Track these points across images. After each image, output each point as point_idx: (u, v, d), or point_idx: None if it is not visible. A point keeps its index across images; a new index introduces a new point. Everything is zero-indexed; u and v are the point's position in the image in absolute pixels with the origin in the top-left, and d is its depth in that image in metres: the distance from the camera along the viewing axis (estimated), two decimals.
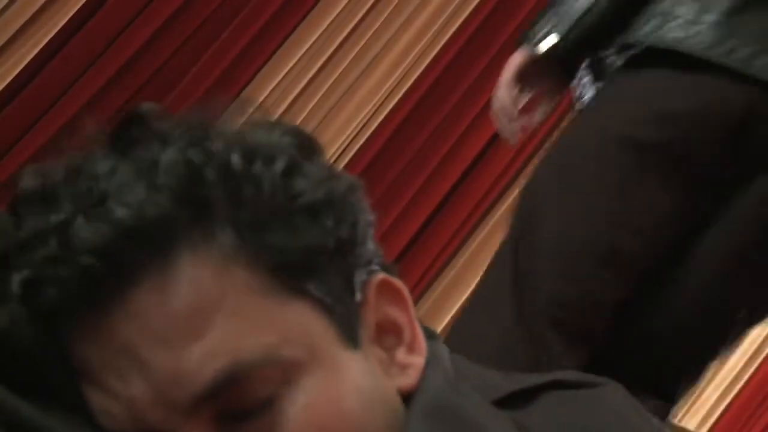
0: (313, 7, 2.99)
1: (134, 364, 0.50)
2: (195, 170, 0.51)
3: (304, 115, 2.97)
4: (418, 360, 0.60)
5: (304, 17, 2.98)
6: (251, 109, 0.61)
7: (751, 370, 3.69)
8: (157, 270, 0.51)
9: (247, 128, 0.56)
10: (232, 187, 0.52)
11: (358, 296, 0.57)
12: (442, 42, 3.14)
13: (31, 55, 2.65)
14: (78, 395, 0.52)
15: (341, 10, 3.01)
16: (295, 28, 2.97)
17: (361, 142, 3.05)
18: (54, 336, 0.51)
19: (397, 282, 0.61)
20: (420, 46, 3.10)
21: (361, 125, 3.05)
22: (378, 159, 3.05)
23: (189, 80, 2.83)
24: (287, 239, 0.53)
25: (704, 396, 3.62)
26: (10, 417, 0.50)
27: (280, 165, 0.54)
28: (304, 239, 0.54)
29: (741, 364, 3.66)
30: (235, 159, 0.52)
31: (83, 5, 2.69)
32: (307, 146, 0.57)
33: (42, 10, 2.64)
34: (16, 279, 0.50)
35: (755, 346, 3.67)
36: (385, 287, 0.60)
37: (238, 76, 2.90)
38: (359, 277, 0.57)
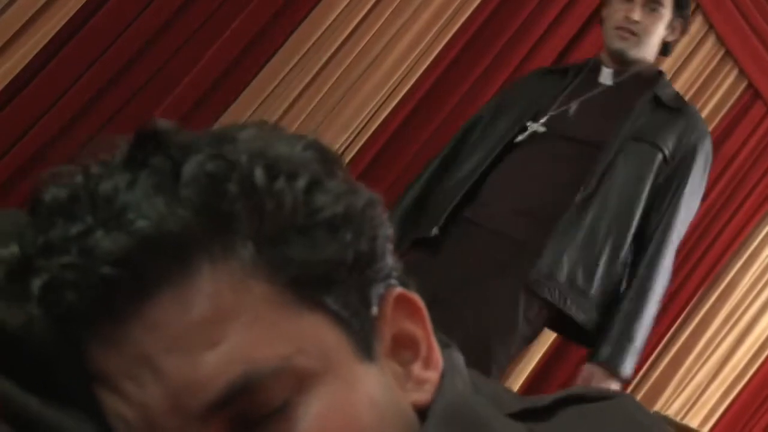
0: (314, 8, 2.98)
1: (150, 372, 0.51)
2: (217, 183, 0.51)
3: (305, 115, 2.97)
4: (434, 375, 0.60)
5: (305, 17, 2.98)
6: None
7: (754, 368, 3.69)
8: (176, 282, 0.51)
9: (268, 140, 0.56)
10: (255, 202, 0.52)
11: (375, 310, 0.57)
12: (443, 43, 3.14)
13: (32, 56, 2.64)
14: (88, 395, 0.53)
15: (341, 11, 3.00)
16: (295, 28, 2.97)
17: (362, 142, 3.05)
18: (69, 338, 0.51)
19: (414, 296, 0.61)
20: (421, 46, 3.10)
21: (362, 126, 3.05)
22: (379, 159, 3.05)
23: (190, 80, 2.82)
24: (306, 253, 0.53)
25: (707, 393, 3.62)
26: (19, 412, 0.50)
27: (302, 182, 0.54)
28: (323, 253, 0.54)
29: (744, 362, 3.67)
30: (259, 173, 0.52)
31: (83, 6, 2.69)
32: (328, 161, 0.57)
33: (42, 10, 2.64)
34: (36, 282, 0.50)
35: (758, 344, 3.68)
36: (402, 301, 0.60)
37: (238, 76, 2.90)
38: (376, 290, 0.58)
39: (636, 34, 2.22)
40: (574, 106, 2.21)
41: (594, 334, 2.11)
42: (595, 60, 2.35)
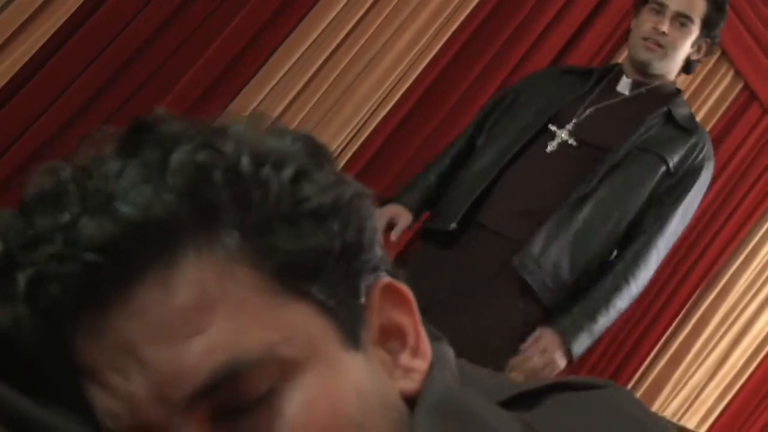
0: (312, 7, 2.98)
1: (134, 361, 0.51)
2: (203, 172, 0.52)
3: (303, 114, 2.96)
4: (422, 364, 0.61)
5: (304, 16, 2.98)
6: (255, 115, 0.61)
7: (752, 367, 3.69)
8: (161, 269, 0.51)
9: (258, 133, 0.56)
10: (240, 190, 0.52)
11: (363, 299, 0.58)
12: (441, 42, 3.13)
13: (31, 54, 2.64)
14: (79, 394, 0.53)
15: (339, 12, 3.00)
16: (294, 27, 2.97)
17: (361, 141, 3.04)
18: (57, 335, 0.52)
19: (403, 286, 0.61)
20: (419, 46, 3.10)
21: (360, 125, 3.04)
22: (377, 158, 3.05)
23: (188, 79, 2.82)
24: (292, 242, 0.54)
25: (704, 394, 3.62)
26: (10, 413, 0.50)
27: (289, 171, 0.54)
28: (309, 243, 0.54)
29: (742, 361, 3.66)
30: (245, 162, 0.52)
31: (82, 4, 2.69)
32: (317, 154, 0.58)
33: (41, 9, 2.64)
34: (22, 278, 0.50)
35: (755, 344, 3.67)
36: (390, 291, 0.60)
37: (236, 75, 2.90)
38: (365, 281, 0.58)
39: (663, 47, 2.23)
40: (588, 112, 2.23)
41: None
42: (619, 68, 2.36)
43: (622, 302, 2.11)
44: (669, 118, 2.21)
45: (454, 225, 2.15)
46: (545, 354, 2.03)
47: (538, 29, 3.22)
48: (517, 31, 3.21)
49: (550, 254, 2.07)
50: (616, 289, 2.10)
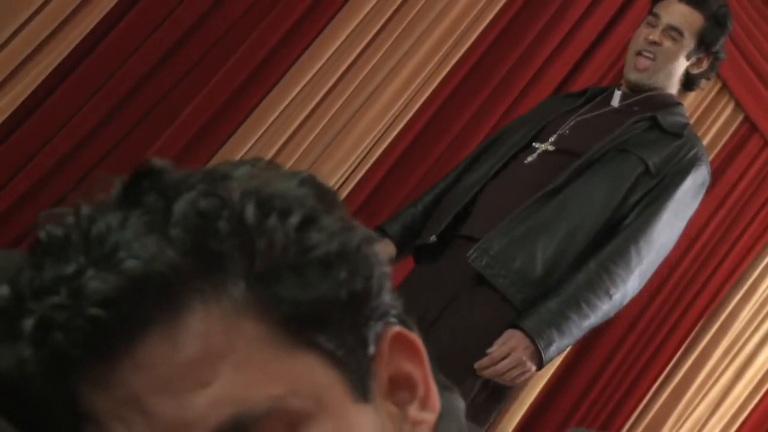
0: (311, 42, 3.00)
1: (139, 413, 0.50)
2: (208, 222, 0.51)
3: (303, 148, 2.97)
4: (430, 417, 0.60)
5: (303, 51, 2.99)
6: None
7: (755, 401, 3.67)
8: (166, 322, 0.50)
9: (263, 176, 0.55)
10: (245, 240, 0.51)
11: (372, 349, 0.57)
12: (441, 76, 3.15)
13: (32, 89, 2.67)
14: None
15: (338, 47, 3.02)
16: (293, 63, 2.98)
17: (360, 176, 3.04)
18: (61, 380, 0.51)
19: (413, 336, 0.60)
20: (419, 80, 3.11)
21: (359, 159, 3.05)
22: (377, 193, 3.05)
23: (188, 113, 2.83)
24: (299, 292, 0.53)
25: (707, 428, 3.60)
26: None
27: (295, 219, 0.53)
28: (316, 292, 0.53)
29: (744, 395, 3.64)
30: (250, 211, 0.52)
31: (83, 39, 2.72)
32: (323, 197, 0.57)
33: (41, 46, 2.67)
34: (27, 323, 0.50)
35: (758, 378, 3.65)
36: (399, 341, 0.59)
37: (236, 110, 2.91)
38: (374, 329, 0.57)
39: (654, 59, 2.22)
40: (572, 123, 2.22)
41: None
42: (616, 86, 2.35)
43: (597, 299, 1.99)
44: (655, 124, 2.18)
45: (434, 237, 2.13)
46: (512, 355, 1.95)
47: (539, 61, 3.24)
48: (518, 63, 3.22)
49: (510, 249, 2.01)
50: (589, 283, 1.99)
